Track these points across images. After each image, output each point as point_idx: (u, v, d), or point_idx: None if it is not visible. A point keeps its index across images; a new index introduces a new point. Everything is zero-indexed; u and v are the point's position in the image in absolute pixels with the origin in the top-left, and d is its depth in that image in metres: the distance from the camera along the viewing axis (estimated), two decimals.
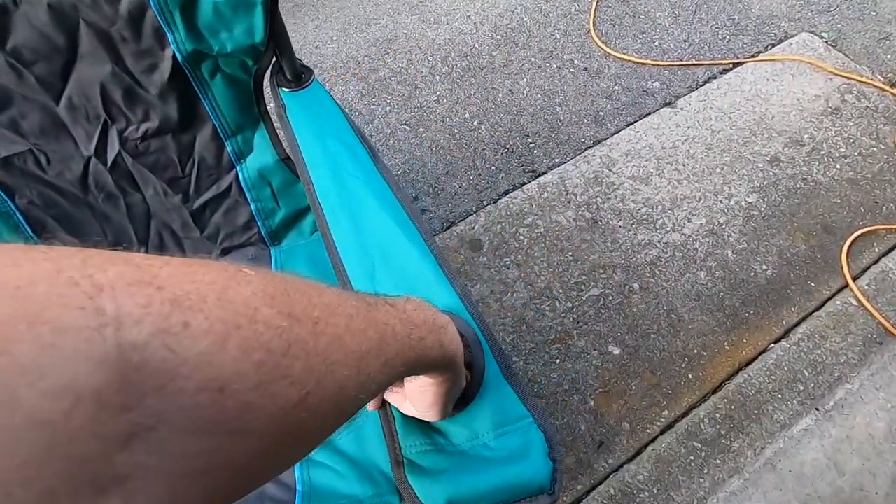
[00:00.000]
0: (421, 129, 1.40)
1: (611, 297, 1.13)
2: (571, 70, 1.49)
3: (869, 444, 0.96)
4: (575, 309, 1.11)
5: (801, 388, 1.02)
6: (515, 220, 1.23)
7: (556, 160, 1.33)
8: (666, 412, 1.01)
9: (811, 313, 1.10)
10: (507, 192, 1.28)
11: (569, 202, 1.25)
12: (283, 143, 0.67)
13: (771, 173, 1.28)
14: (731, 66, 1.48)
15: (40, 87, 0.56)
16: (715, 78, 1.46)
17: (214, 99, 0.61)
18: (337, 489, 0.55)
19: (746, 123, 1.36)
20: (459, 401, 0.40)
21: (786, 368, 1.04)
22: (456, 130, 1.40)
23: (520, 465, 0.38)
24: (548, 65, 1.50)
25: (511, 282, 1.15)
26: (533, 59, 1.52)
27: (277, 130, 0.66)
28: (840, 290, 1.12)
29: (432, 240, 0.49)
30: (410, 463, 0.39)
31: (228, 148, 0.66)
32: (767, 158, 1.30)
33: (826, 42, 1.50)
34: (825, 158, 1.29)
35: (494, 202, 1.26)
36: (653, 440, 0.98)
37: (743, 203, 1.24)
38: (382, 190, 0.52)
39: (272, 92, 0.61)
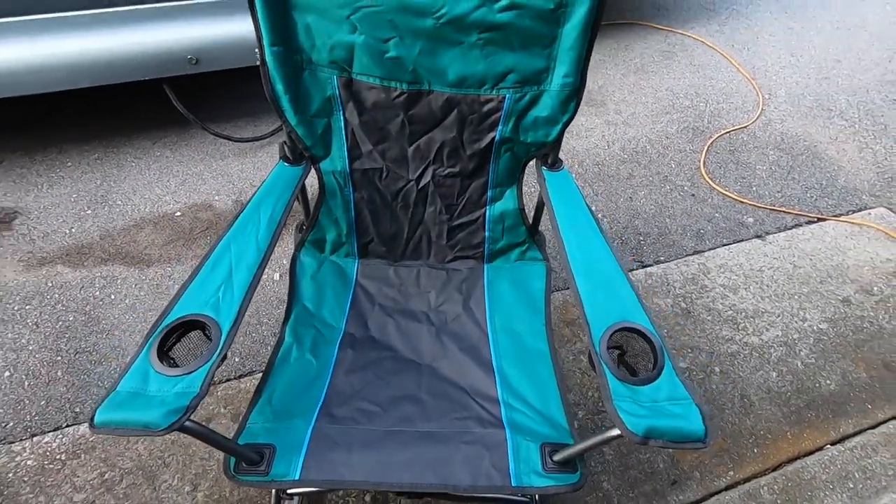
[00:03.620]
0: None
1: (694, 372, 1.33)
2: (681, 193, 1.79)
3: None
4: None
5: (851, 485, 1.16)
6: None
7: (661, 258, 1.59)
8: (732, 472, 1.17)
9: (866, 429, 1.26)
10: None
11: (668, 291, 1.49)
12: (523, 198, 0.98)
13: (842, 311, 1.48)
14: (815, 219, 1.73)
15: (408, 136, 0.91)
16: (801, 226, 1.71)
17: (497, 164, 0.94)
18: (529, 426, 0.79)
19: (824, 267, 1.58)
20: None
21: (839, 466, 1.19)
22: None
23: (686, 422, 0.61)
24: (662, 185, 1.81)
25: None
26: (651, 178, 1.83)
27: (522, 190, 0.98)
28: (893, 417, 1.28)
29: (629, 275, 0.76)
30: (619, 406, 0.63)
31: (489, 194, 0.98)
32: (840, 298, 1.51)
33: None
34: (891, 309, 1.48)
35: None
36: (718, 492, 1.14)
37: (815, 328, 1.44)
38: (600, 240, 0.81)
39: (536, 168, 0.93)
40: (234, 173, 1.77)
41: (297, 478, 0.69)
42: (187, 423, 0.58)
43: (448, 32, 0.78)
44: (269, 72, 0.82)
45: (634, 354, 0.72)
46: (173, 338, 0.67)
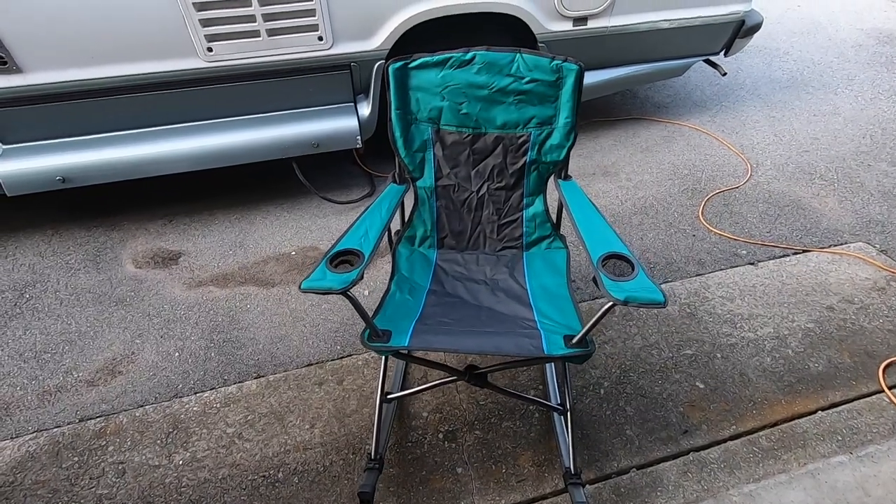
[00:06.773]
0: (574, 251, 2.13)
1: (699, 357, 1.61)
2: (684, 234, 2.17)
3: (892, 483, 1.26)
4: (674, 357, 1.61)
5: (840, 438, 1.36)
6: None
7: (669, 279, 1.94)
8: (734, 427, 1.41)
9: (852, 400, 1.47)
10: None
11: (675, 301, 1.82)
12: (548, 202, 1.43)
13: (827, 314, 1.74)
14: (801, 251, 2.05)
15: (472, 163, 1.41)
16: (788, 256, 2.03)
17: (529, 179, 1.41)
18: (556, 329, 1.15)
19: (810, 284, 1.87)
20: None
21: (828, 424, 1.40)
22: None
23: (652, 294, 0.97)
24: (668, 229, 2.20)
25: (631, 334, 1.70)
26: (658, 225, 2.23)
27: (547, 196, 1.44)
28: (876, 392, 1.49)
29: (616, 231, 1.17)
30: (609, 288, 1.01)
31: (525, 200, 1.44)
32: (825, 306, 1.78)
33: (877, 249, 2.02)
34: (870, 314, 1.73)
35: None
36: (724, 440, 1.38)
37: (803, 326, 1.70)
38: (595, 213, 1.22)
39: (554, 180, 1.39)
40: (332, 226, 2.33)
41: (405, 344, 1.08)
42: (348, 293, 1.01)
43: (496, 96, 1.32)
44: (393, 125, 1.36)
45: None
46: (333, 263, 1.12)
